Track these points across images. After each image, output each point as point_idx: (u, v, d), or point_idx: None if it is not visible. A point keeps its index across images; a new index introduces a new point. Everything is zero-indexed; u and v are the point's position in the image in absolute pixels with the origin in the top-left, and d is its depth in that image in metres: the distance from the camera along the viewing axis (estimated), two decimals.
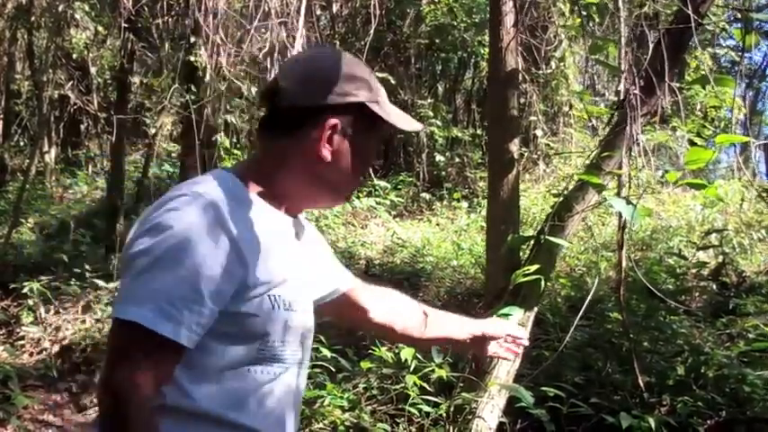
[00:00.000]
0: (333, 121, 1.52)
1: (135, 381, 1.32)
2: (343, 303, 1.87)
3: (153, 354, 1.34)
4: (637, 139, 3.34)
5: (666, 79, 3.30)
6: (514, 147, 3.92)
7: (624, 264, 4.10)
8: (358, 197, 9.61)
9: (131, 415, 1.31)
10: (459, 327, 2.03)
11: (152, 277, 1.35)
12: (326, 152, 1.52)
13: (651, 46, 3.38)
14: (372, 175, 10.00)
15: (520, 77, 9.88)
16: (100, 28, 9.87)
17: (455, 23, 10.85)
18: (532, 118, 10.08)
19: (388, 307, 1.95)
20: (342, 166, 1.56)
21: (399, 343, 4.01)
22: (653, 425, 4.08)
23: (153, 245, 1.37)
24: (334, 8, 10.80)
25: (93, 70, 10.51)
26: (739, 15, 4.67)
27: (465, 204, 10.06)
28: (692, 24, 3.13)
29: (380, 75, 9.68)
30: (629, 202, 3.22)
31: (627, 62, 3.55)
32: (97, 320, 6.75)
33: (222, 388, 1.43)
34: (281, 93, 1.54)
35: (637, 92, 3.29)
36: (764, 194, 10.92)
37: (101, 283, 7.01)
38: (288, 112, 1.54)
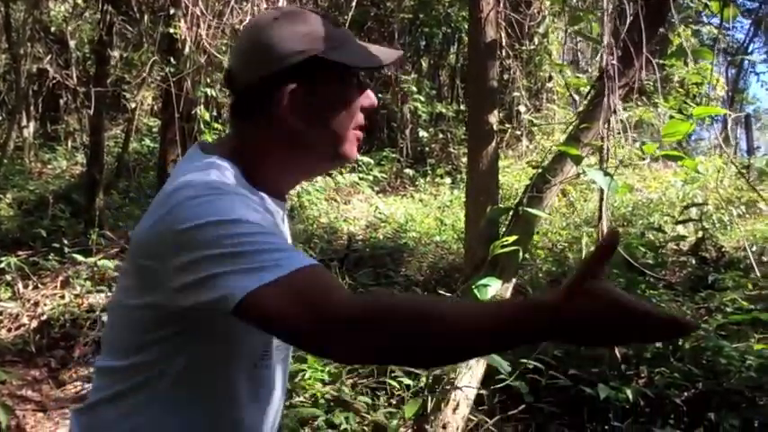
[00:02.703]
0: (290, 86, 1.37)
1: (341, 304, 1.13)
2: None
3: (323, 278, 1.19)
4: (615, 110, 3.34)
5: (644, 51, 3.29)
6: (493, 118, 3.91)
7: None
8: (341, 173, 9.61)
9: (379, 317, 1.11)
10: None
11: (252, 244, 1.18)
12: (296, 121, 1.38)
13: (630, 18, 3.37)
14: None
15: (503, 53, 9.92)
16: (79, 0, 9.75)
17: None
18: (515, 94, 10.08)
19: None
20: (323, 127, 1.41)
21: None
22: (630, 396, 4.13)
23: (228, 229, 1.18)
24: None
25: (71, 44, 10.39)
26: None
27: (448, 180, 10.08)
28: None
29: None
30: (606, 174, 3.22)
31: (607, 34, 3.53)
32: (76, 296, 6.70)
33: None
34: (232, 77, 1.43)
35: (615, 62, 3.29)
36: (744, 171, 11.01)
37: (79, 258, 6.96)
38: (245, 95, 1.41)
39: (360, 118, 1.45)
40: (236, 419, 1.39)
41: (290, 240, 1.59)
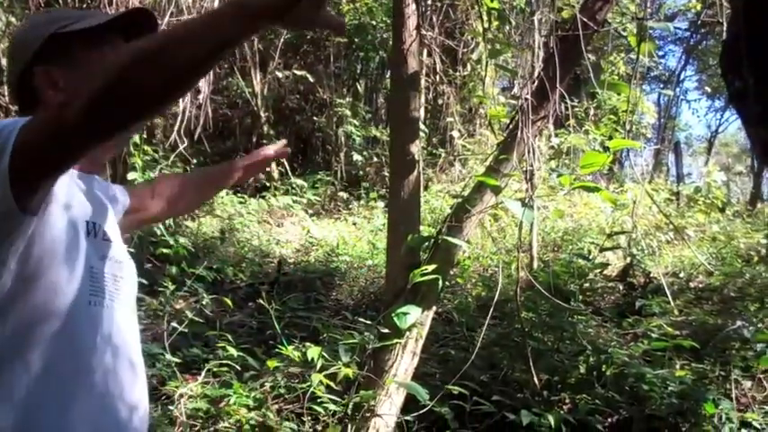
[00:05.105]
0: (39, 69, 1.45)
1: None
2: (133, 215, 1.91)
3: None
4: (529, 143, 3.40)
5: (558, 86, 3.37)
6: (415, 148, 3.94)
7: (535, 264, 4.18)
8: (274, 195, 9.58)
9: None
10: (228, 174, 2.20)
11: None
12: (60, 98, 1.41)
13: (542, 52, 3.45)
14: (290, 173, 9.97)
15: (437, 78, 10.02)
16: (12, 18, 9.55)
17: (375, 23, 10.88)
18: (449, 119, 10.18)
19: (163, 197, 2.02)
20: None
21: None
22: (552, 422, 4.16)
23: None
24: None
25: (4, 62, 10.17)
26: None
27: (381, 204, 10.08)
28: (580, 32, 3.21)
29: (299, 72, 9.66)
30: (524, 204, 3.27)
31: (522, 69, 3.61)
32: None
33: None
34: (7, 83, 1.52)
35: (528, 97, 3.36)
36: (673, 198, 11.29)
37: None
38: (16, 93, 1.49)
39: None
40: (78, 365, 1.39)
41: (119, 204, 1.79)
